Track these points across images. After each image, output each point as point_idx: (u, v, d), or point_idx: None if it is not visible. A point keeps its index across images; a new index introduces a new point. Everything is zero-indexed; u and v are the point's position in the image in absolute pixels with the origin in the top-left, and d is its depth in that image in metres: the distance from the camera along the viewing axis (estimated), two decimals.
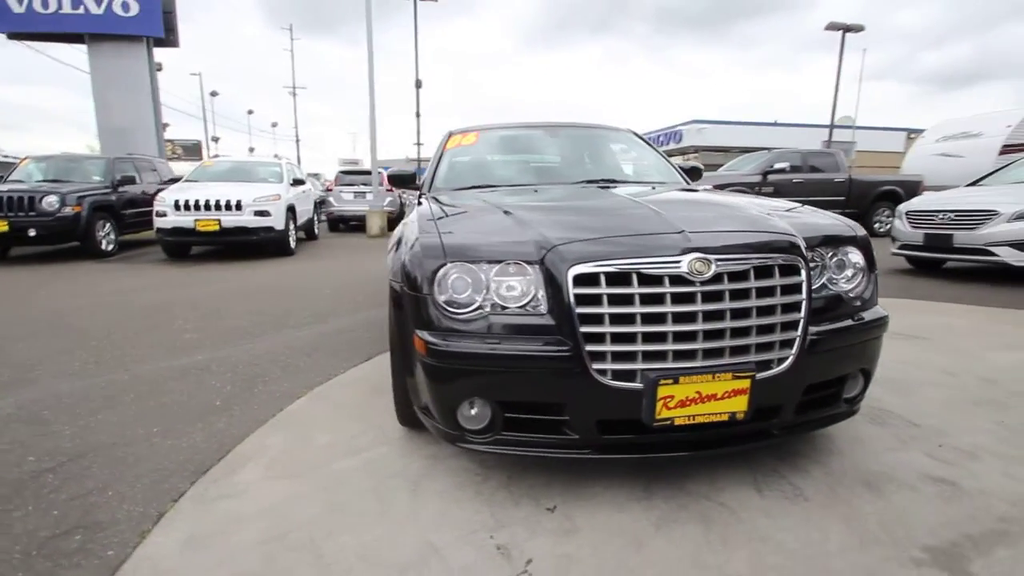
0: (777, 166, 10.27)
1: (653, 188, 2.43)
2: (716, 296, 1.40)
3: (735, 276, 1.42)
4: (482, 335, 1.44)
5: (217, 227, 6.34)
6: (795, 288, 1.47)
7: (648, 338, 1.38)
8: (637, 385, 1.39)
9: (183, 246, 6.89)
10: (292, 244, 7.52)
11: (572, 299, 1.39)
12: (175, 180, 8.17)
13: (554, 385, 1.43)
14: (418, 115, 21.40)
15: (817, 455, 1.79)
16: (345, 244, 9.48)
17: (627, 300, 1.39)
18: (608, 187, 2.38)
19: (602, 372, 1.39)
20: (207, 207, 6.35)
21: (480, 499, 1.58)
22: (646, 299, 1.38)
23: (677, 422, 1.41)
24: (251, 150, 39.74)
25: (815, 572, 1.27)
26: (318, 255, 7.79)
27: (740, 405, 1.42)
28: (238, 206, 6.45)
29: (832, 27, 19.35)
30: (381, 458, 1.83)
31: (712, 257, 1.40)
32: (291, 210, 7.37)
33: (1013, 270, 4.80)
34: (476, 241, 1.56)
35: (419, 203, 2.56)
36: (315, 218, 9.67)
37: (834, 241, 1.67)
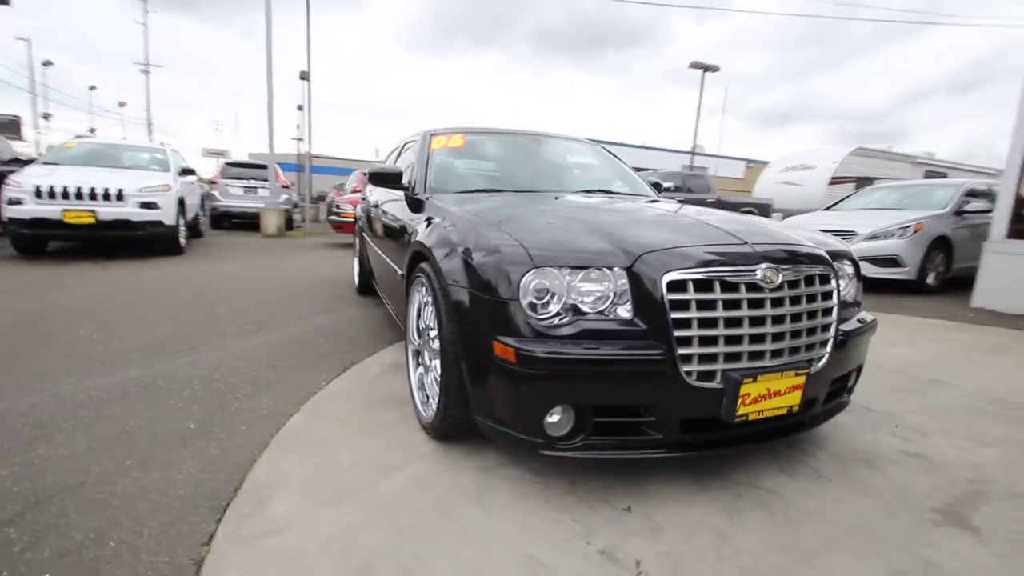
0: (665, 185, 11.40)
1: (655, 201, 2.59)
2: (779, 302, 1.55)
3: (792, 284, 1.59)
4: (572, 340, 1.43)
5: (92, 220, 5.31)
6: (830, 295, 1.68)
7: (728, 340, 1.49)
8: (717, 385, 1.48)
9: (40, 241, 5.67)
10: (182, 242, 6.58)
11: (667, 304, 1.44)
12: (22, 161, 6.70)
13: (646, 387, 1.46)
14: (301, 108, 20.04)
15: (817, 440, 2.04)
16: (239, 244, 8.53)
17: (711, 305, 1.48)
18: (614, 197, 2.48)
19: (688, 374, 1.46)
20: (79, 196, 5.28)
21: (553, 506, 1.55)
22: (727, 304, 1.49)
23: (751, 417, 1.53)
24: (92, 131, 33.93)
25: (872, 540, 1.45)
26: (213, 255, 6.92)
27: (796, 399, 1.59)
28: (119, 196, 5.46)
29: (695, 66, 21.94)
30: (426, 475, 1.71)
31: (779, 267, 1.55)
32: (181, 203, 6.45)
33: (869, 281, 5.86)
34: (561, 247, 1.54)
35: (419, 204, 2.45)
36: (200, 214, 8.55)
37: (837, 255, 1.93)
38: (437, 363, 1.89)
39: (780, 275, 1.54)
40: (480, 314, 1.53)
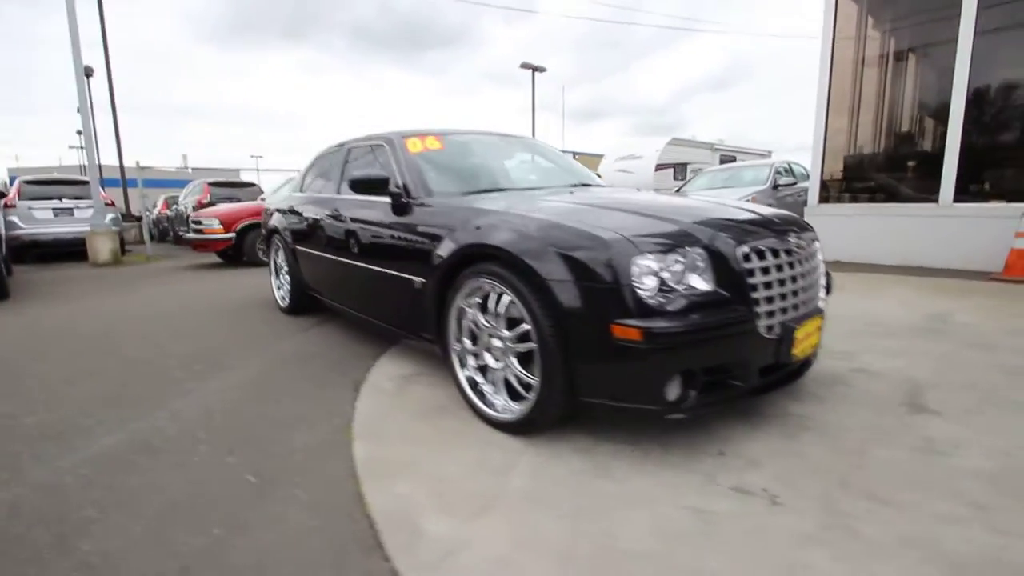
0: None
1: (638, 189, 2.89)
2: (801, 261, 1.95)
3: (805, 248, 2.00)
4: (680, 314, 1.64)
5: None
6: (817, 252, 2.14)
7: (780, 297, 1.83)
8: (775, 335, 1.81)
9: None
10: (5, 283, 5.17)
11: (744, 272, 1.73)
12: None
13: (739, 345, 1.73)
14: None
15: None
16: (71, 277, 6.94)
17: (766, 270, 1.80)
18: (602, 188, 2.72)
19: (762, 328, 1.77)
20: None
21: (667, 467, 1.74)
22: (776, 268, 1.83)
23: (798, 358, 1.90)
24: None
25: (884, 433, 1.92)
26: (52, 295, 5.58)
27: (816, 340, 2.01)
28: None
29: (525, 66, 23.44)
30: (539, 466, 1.77)
31: (800, 234, 1.94)
32: None
33: None
34: (649, 233, 1.72)
35: (408, 208, 2.43)
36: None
37: None
38: (514, 359, 1.95)
39: (803, 241, 1.94)
40: (592, 303, 1.65)
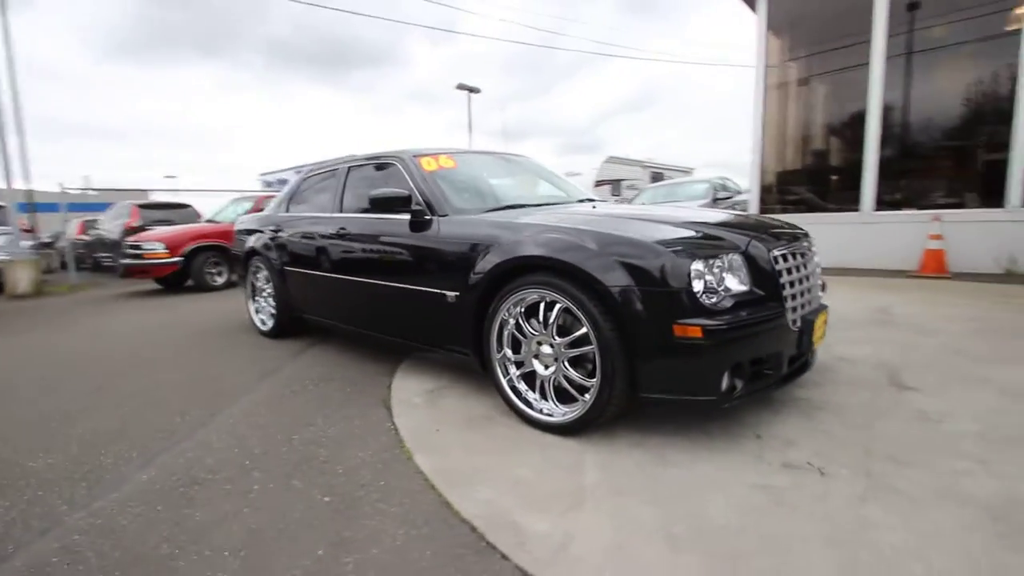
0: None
1: (631, 200, 3.09)
2: (810, 263, 2.22)
3: (811, 250, 2.28)
4: (731, 312, 1.83)
5: None
6: (816, 254, 2.44)
7: (800, 294, 2.08)
8: (798, 328, 2.06)
9: None
10: None
11: (776, 273, 1.95)
12: None
13: (776, 337, 1.95)
14: None
15: None
16: None
17: (790, 271, 2.05)
18: (607, 202, 2.91)
19: (789, 322, 2.00)
20: None
21: (717, 452, 1.91)
22: (796, 269, 2.08)
23: (815, 347, 2.15)
24: None
25: (882, 411, 2.21)
26: None
27: (823, 330, 2.28)
28: None
29: (461, 87, 23.61)
30: (605, 462, 1.88)
31: (808, 240, 2.22)
32: None
33: None
34: (694, 243, 1.91)
35: (429, 224, 2.51)
36: None
37: None
38: (566, 363, 2.05)
39: (809, 244, 2.21)
40: (655, 306, 1.80)
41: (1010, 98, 5.15)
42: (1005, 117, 5.19)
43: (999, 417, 2.08)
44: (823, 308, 2.26)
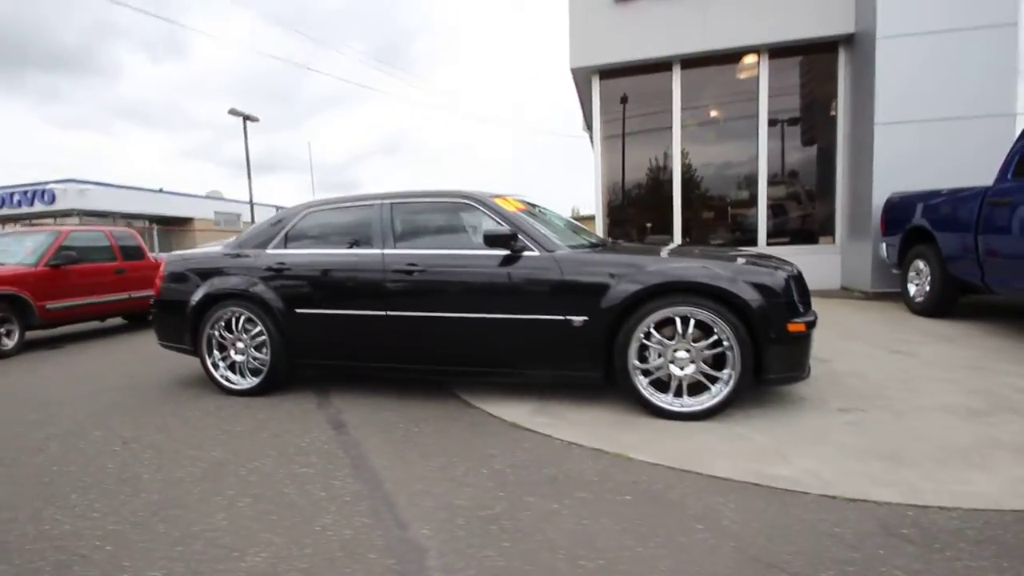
0: None
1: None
2: None
3: None
4: (810, 311, 2.74)
5: None
6: None
7: None
8: None
9: None
10: None
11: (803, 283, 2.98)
12: None
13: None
14: None
15: None
16: None
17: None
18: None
19: None
20: None
21: (802, 408, 2.78)
22: None
23: None
24: None
25: (871, 391, 3.46)
26: None
27: None
28: None
29: (233, 113, 21.17)
30: (760, 429, 2.55)
31: None
32: None
33: None
34: (777, 266, 2.78)
35: (517, 258, 2.91)
36: None
37: None
38: (700, 363, 2.67)
39: None
40: (774, 312, 2.59)
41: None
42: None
43: (861, 362, 3.50)
44: None
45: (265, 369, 3.39)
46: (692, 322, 2.66)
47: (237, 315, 3.42)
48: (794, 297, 2.65)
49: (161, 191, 27.33)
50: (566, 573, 1.53)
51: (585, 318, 2.78)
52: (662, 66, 7.86)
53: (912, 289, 5.28)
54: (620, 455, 2.33)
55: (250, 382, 3.43)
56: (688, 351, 2.70)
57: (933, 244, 4.85)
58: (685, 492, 1.98)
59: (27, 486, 2.25)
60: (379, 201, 3.33)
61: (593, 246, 3.23)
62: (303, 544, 1.71)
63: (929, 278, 4.97)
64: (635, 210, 8.83)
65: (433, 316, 3.04)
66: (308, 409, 3.13)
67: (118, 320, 7.22)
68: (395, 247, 3.19)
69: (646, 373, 2.76)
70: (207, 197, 30.21)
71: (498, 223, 3.03)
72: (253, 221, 19.60)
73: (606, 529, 1.74)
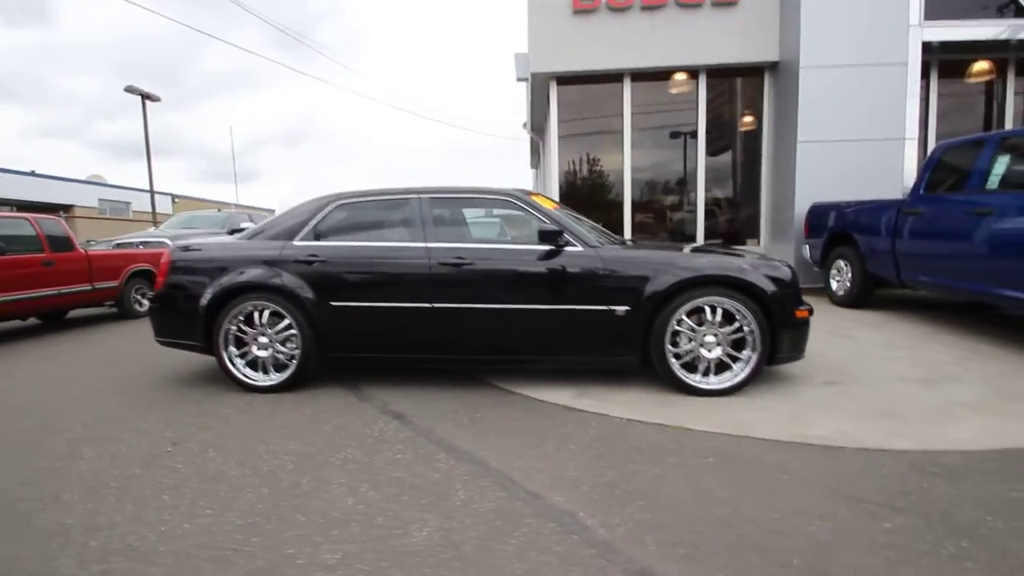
0: (242, 225, 10.71)
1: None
2: None
3: None
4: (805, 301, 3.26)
5: None
6: None
7: None
8: None
9: None
10: None
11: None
12: None
13: None
14: None
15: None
16: None
17: None
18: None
19: None
20: None
21: (798, 384, 3.29)
22: None
23: None
24: None
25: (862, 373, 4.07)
26: None
27: None
28: None
29: (130, 90, 18.97)
30: (783, 400, 2.99)
31: None
32: None
33: None
34: (778, 259, 3.26)
35: (559, 252, 3.18)
36: None
37: None
38: (725, 346, 3.08)
39: None
40: (786, 299, 3.06)
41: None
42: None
43: (816, 345, 4.18)
44: None
45: (293, 364, 3.29)
46: (720, 311, 3.06)
47: (260, 308, 3.28)
48: (799, 288, 3.15)
49: (33, 173, 23.71)
50: (703, 518, 1.80)
51: (627, 308, 3.07)
52: (615, 77, 8.42)
53: (834, 284, 6.23)
54: (680, 427, 2.65)
55: (275, 378, 3.31)
56: (715, 336, 3.09)
57: (854, 246, 5.77)
58: (754, 452, 2.34)
59: (96, 493, 2.08)
60: (416, 195, 3.37)
61: (622, 243, 3.54)
62: (457, 517, 1.82)
63: (850, 275, 5.91)
64: (586, 211, 9.32)
65: (479, 308, 3.17)
66: (351, 402, 3.11)
67: (32, 320, 6.31)
68: (436, 241, 3.26)
69: (677, 356, 3.12)
70: (87, 182, 26.72)
71: (542, 220, 3.23)
72: (154, 210, 17.66)
73: (712, 484, 2.04)
